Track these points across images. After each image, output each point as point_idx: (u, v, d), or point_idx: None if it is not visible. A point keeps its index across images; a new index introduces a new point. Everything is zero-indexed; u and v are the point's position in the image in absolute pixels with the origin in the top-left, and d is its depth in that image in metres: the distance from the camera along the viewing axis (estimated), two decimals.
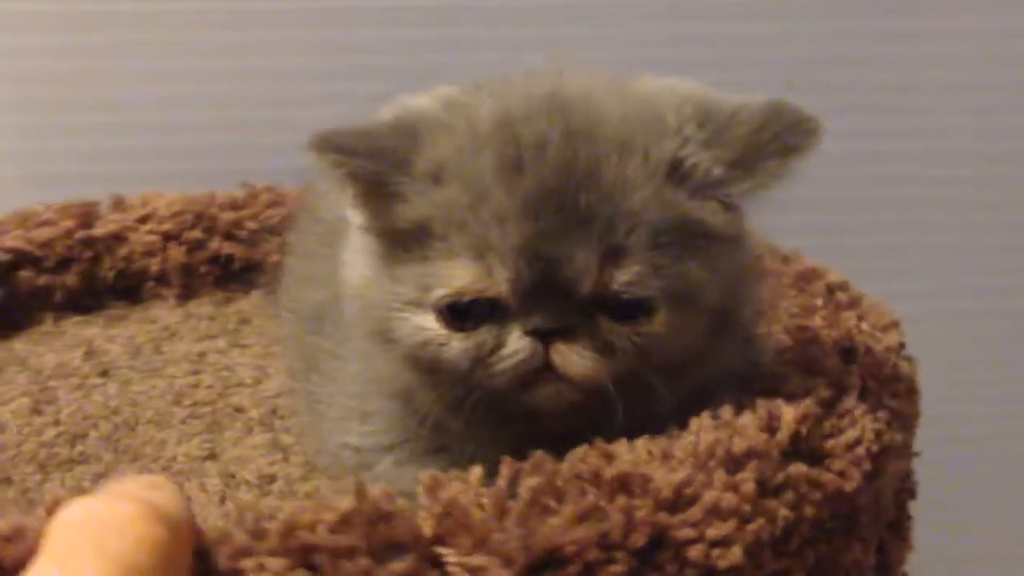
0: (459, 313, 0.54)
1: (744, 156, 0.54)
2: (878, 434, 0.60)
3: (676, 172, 0.55)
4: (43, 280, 0.97)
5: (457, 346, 0.55)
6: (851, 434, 0.59)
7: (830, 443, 0.57)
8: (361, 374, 0.65)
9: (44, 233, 0.97)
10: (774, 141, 0.54)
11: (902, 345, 0.72)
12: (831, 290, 0.78)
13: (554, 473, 0.50)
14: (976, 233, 1.27)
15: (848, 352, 0.66)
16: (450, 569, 0.45)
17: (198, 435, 0.76)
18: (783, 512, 0.52)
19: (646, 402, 0.55)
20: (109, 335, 0.94)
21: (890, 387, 0.64)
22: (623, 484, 0.50)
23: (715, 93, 0.58)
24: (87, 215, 1.00)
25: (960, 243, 1.27)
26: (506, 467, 0.51)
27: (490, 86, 0.60)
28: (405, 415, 0.62)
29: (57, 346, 0.92)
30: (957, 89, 1.22)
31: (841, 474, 0.56)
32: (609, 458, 0.52)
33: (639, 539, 0.47)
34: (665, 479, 0.50)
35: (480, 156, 0.55)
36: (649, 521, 0.48)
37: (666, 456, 0.53)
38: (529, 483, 0.49)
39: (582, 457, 0.52)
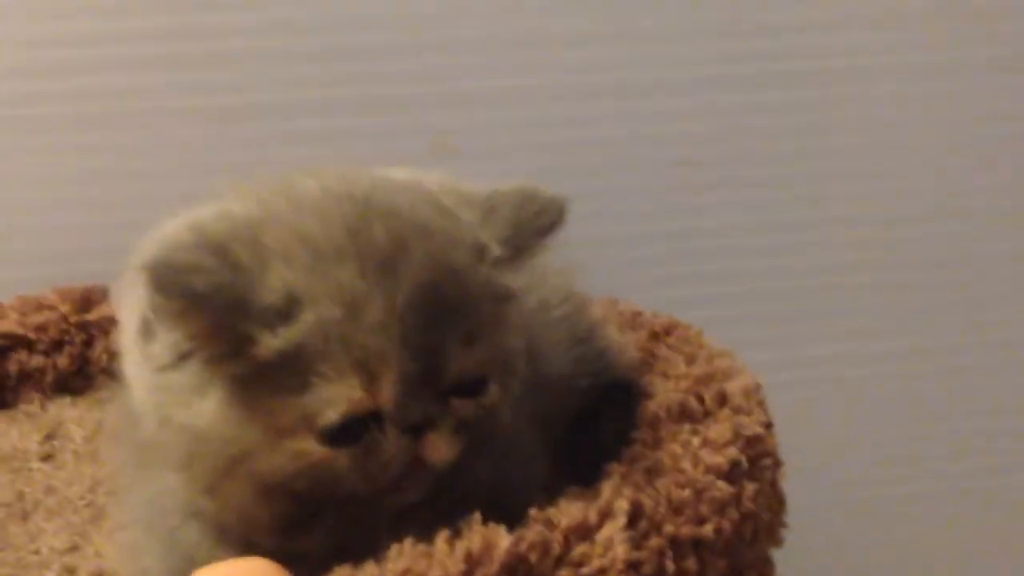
0: (344, 430, 0.52)
1: (511, 236, 0.58)
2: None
3: (479, 253, 0.57)
4: (35, 362, 1.01)
5: (343, 463, 0.53)
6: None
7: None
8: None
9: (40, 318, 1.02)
10: (533, 221, 0.58)
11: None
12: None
13: None
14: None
15: None
16: None
17: (75, 527, 0.77)
18: None
19: (463, 481, 0.56)
20: (85, 418, 0.96)
21: None
22: None
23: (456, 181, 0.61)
24: (85, 300, 1.05)
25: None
26: None
27: (271, 198, 0.57)
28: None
29: (26, 427, 0.95)
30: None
31: None
32: None
33: None
34: None
35: (339, 269, 0.53)
36: None
37: None
38: None
39: None
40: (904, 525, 1.38)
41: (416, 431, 0.53)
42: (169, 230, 0.58)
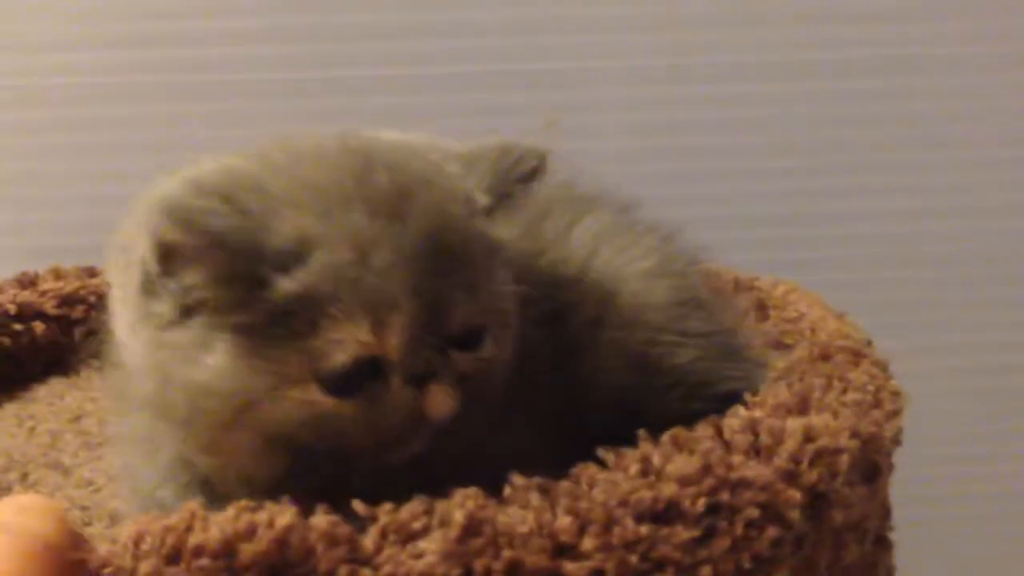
0: (349, 377, 0.52)
1: (492, 184, 0.58)
2: None
3: (469, 204, 0.57)
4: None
5: (349, 412, 0.52)
6: None
7: None
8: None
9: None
10: (512, 169, 0.58)
11: None
12: None
13: None
14: None
15: None
16: None
17: None
18: None
19: (457, 440, 0.55)
20: None
21: None
22: None
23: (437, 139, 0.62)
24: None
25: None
26: None
27: (284, 154, 0.56)
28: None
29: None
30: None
31: None
32: None
33: None
34: None
35: (349, 211, 0.52)
36: None
37: None
38: None
39: None
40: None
41: (419, 382, 0.53)
42: (167, 183, 0.54)
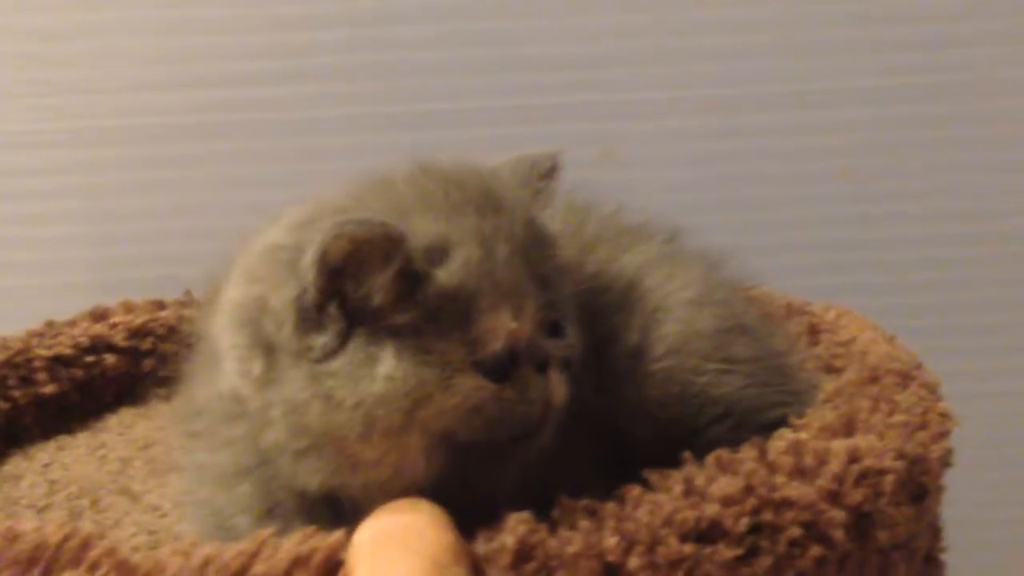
0: (502, 364, 0.55)
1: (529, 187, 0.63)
2: None
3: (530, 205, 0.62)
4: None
5: (508, 396, 0.55)
6: None
7: None
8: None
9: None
10: (532, 170, 0.63)
11: None
12: None
13: None
14: None
15: None
16: None
17: None
18: None
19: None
20: None
21: None
22: None
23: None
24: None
25: None
26: None
27: (355, 188, 0.59)
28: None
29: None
30: None
31: None
32: None
33: None
34: None
35: (464, 213, 0.56)
36: None
37: None
38: None
39: None
40: None
41: (542, 368, 0.56)
42: (291, 217, 0.58)
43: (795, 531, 0.53)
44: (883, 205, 1.22)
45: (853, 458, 0.57)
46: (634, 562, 0.50)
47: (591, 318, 0.65)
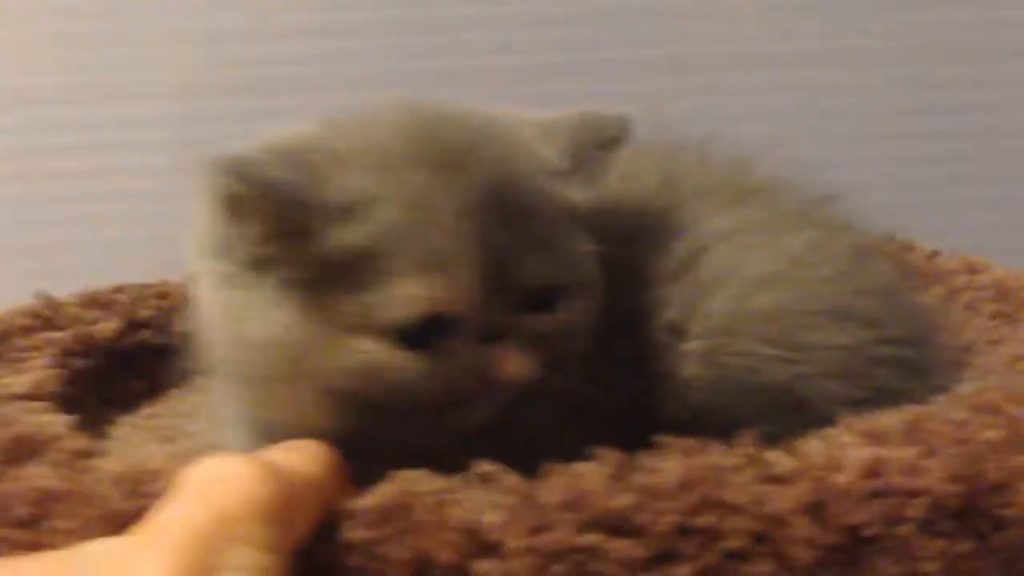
0: (415, 331, 0.52)
1: (573, 150, 0.57)
2: None
3: (543, 166, 0.57)
4: None
5: (413, 366, 0.52)
6: None
7: None
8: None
9: None
10: (592, 135, 0.58)
11: None
12: None
13: None
14: None
15: None
16: None
17: None
18: None
19: (529, 413, 0.54)
20: None
21: None
22: None
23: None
24: None
25: None
26: None
27: (354, 120, 0.58)
28: None
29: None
30: None
31: None
32: None
33: None
34: None
35: (407, 170, 0.53)
36: None
37: None
38: None
39: None
40: None
41: (491, 341, 0.52)
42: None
43: (737, 542, 0.44)
44: None
45: (872, 472, 0.46)
46: (513, 543, 0.43)
47: (638, 284, 0.59)
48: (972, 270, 0.81)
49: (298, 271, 0.52)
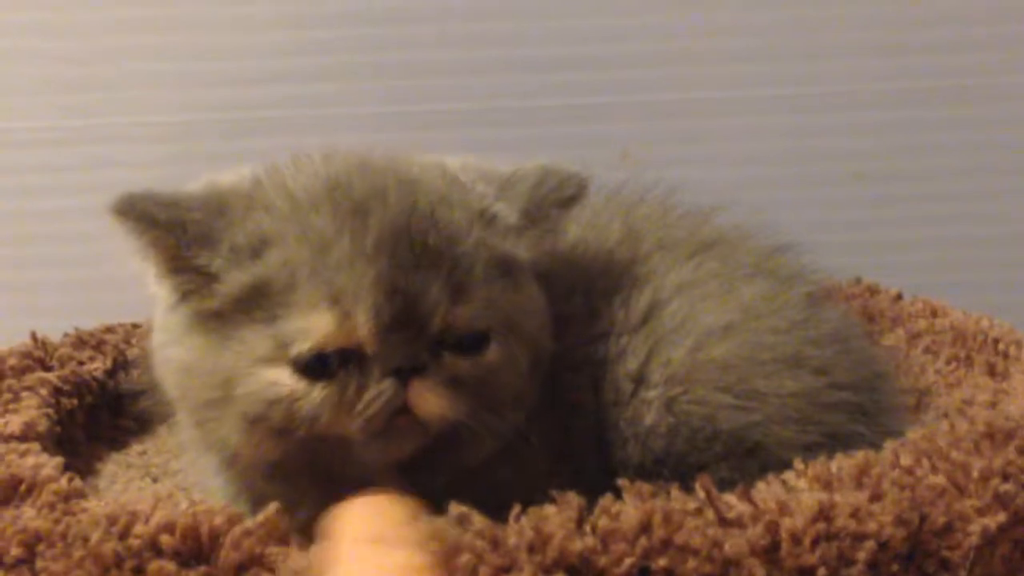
0: (318, 363, 0.54)
1: (529, 207, 0.60)
2: None
3: (484, 219, 0.59)
4: None
5: (317, 396, 0.54)
6: None
7: None
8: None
9: None
10: (550, 194, 0.60)
11: None
12: None
13: None
14: None
15: None
16: None
17: None
18: None
19: (464, 453, 0.57)
20: None
21: None
22: None
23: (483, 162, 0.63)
24: None
25: None
26: None
27: (286, 166, 0.61)
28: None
29: None
30: None
31: None
32: None
33: None
34: None
35: (312, 214, 0.56)
36: None
37: None
38: None
39: None
40: None
41: (403, 377, 0.54)
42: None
43: None
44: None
45: (822, 515, 0.49)
46: None
47: (600, 333, 0.63)
48: (933, 314, 0.84)
49: (209, 303, 0.56)
